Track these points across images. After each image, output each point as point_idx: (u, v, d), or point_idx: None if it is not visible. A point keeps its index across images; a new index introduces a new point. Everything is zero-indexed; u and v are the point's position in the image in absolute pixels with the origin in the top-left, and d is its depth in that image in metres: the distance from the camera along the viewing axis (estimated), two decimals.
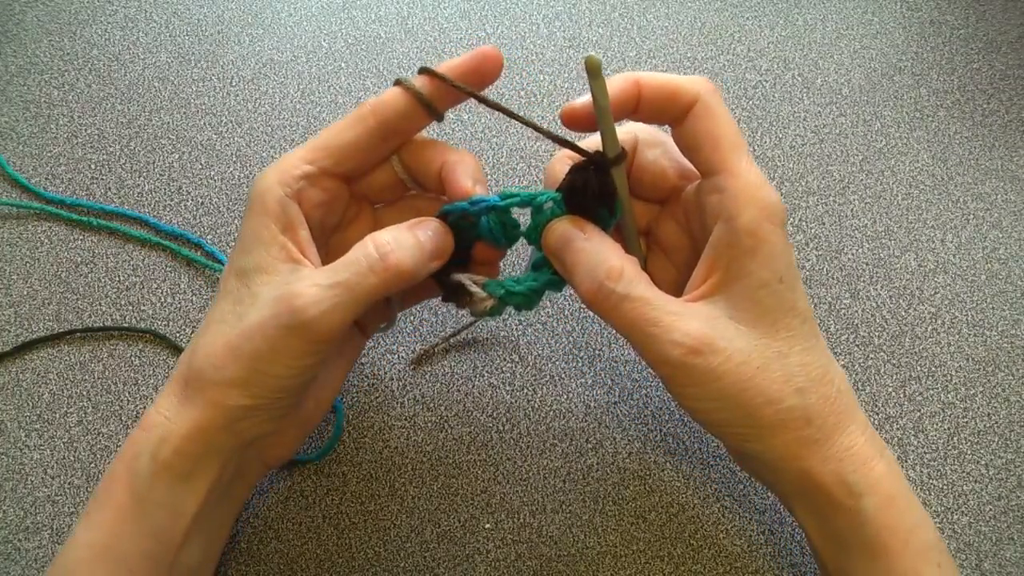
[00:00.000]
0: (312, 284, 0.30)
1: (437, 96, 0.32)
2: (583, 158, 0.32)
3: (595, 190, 0.32)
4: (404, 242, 0.31)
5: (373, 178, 0.35)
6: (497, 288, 0.33)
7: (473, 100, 0.32)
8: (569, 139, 0.32)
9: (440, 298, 0.35)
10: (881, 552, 0.30)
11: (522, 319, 0.43)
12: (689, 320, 0.29)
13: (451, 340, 0.43)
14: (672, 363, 0.29)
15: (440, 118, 0.33)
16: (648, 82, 0.31)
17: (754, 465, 0.33)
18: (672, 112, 0.31)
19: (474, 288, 0.33)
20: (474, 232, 0.34)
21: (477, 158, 0.34)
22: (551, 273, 0.33)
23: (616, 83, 0.31)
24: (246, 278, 0.31)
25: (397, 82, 0.33)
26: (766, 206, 0.29)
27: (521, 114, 0.31)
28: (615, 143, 0.31)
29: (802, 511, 0.32)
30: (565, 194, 0.32)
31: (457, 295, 0.34)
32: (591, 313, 0.43)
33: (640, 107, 0.32)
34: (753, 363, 0.29)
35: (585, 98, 0.31)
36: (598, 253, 0.31)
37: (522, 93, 0.50)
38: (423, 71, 0.32)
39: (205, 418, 0.30)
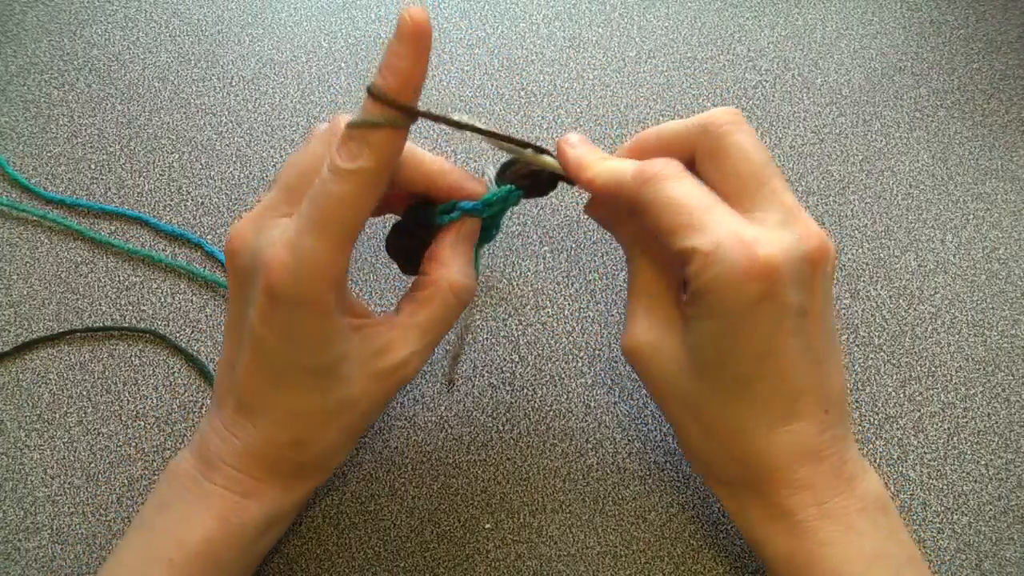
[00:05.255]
0: (413, 353, 0.32)
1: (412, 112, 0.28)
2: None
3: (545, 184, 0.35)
4: (469, 271, 0.33)
5: None
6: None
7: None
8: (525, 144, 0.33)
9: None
10: None
11: (522, 319, 0.43)
12: (648, 324, 0.32)
13: (458, 344, 0.43)
14: (622, 349, 0.33)
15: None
16: (598, 181, 0.32)
17: None
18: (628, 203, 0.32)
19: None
20: (436, 220, 0.34)
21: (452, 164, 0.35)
22: (491, 235, 0.36)
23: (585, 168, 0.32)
24: (326, 371, 0.30)
25: (367, 124, 0.27)
26: (727, 270, 0.28)
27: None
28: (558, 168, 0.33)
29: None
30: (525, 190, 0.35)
31: (414, 269, 0.35)
32: (591, 313, 0.44)
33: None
34: (674, 387, 0.32)
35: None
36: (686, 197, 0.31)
37: (522, 93, 0.50)
38: (386, 102, 0.27)
39: (320, 483, 0.35)
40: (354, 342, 0.31)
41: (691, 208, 0.28)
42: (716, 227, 0.28)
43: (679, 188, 0.29)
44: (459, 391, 0.42)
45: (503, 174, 0.35)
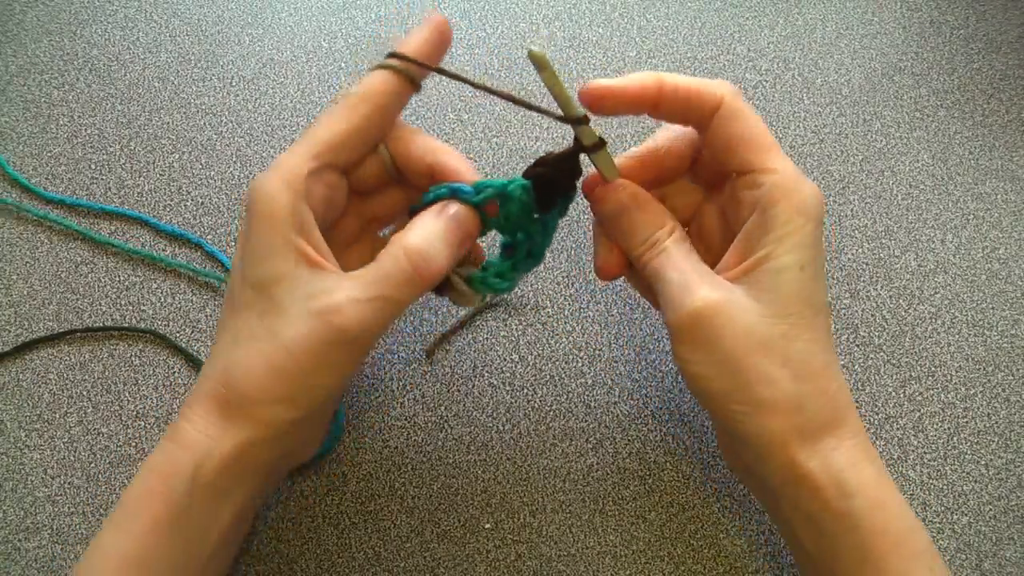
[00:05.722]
0: (350, 299, 0.30)
1: (418, 74, 0.34)
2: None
3: (562, 178, 0.33)
4: (436, 243, 0.31)
5: (362, 170, 0.35)
6: (481, 287, 0.34)
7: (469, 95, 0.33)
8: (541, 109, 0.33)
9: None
10: (870, 555, 0.30)
11: (522, 319, 0.44)
12: (709, 286, 0.31)
13: (456, 332, 0.43)
14: (681, 319, 0.31)
15: (419, 89, 0.34)
16: (670, 81, 0.32)
17: (744, 454, 0.33)
18: (696, 114, 0.32)
19: (462, 287, 0.34)
20: (421, 199, 0.34)
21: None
22: (525, 255, 0.35)
23: (636, 77, 0.32)
24: (265, 290, 0.30)
25: (379, 66, 0.33)
26: (801, 199, 0.31)
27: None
28: (591, 135, 0.32)
29: (789, 509, 0.32)
30: (533, 182, 0.33)
31: (440, 286, 0.34)
32: (591, 313, 0.44)
33: (661, 104, 0.32)
34: (756, 336, 0.30)
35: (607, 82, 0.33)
36: (656, 214, 0.34)
37: (523, 93, 0.50)
38: (400, 57, 0.33)
39: (252, 437, 0.30)
40: (302, 273, 0.30)
41: (766, 131, 0.33)
42: (783, 158, 0.32)
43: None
44: (459, 391, 0.42)
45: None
